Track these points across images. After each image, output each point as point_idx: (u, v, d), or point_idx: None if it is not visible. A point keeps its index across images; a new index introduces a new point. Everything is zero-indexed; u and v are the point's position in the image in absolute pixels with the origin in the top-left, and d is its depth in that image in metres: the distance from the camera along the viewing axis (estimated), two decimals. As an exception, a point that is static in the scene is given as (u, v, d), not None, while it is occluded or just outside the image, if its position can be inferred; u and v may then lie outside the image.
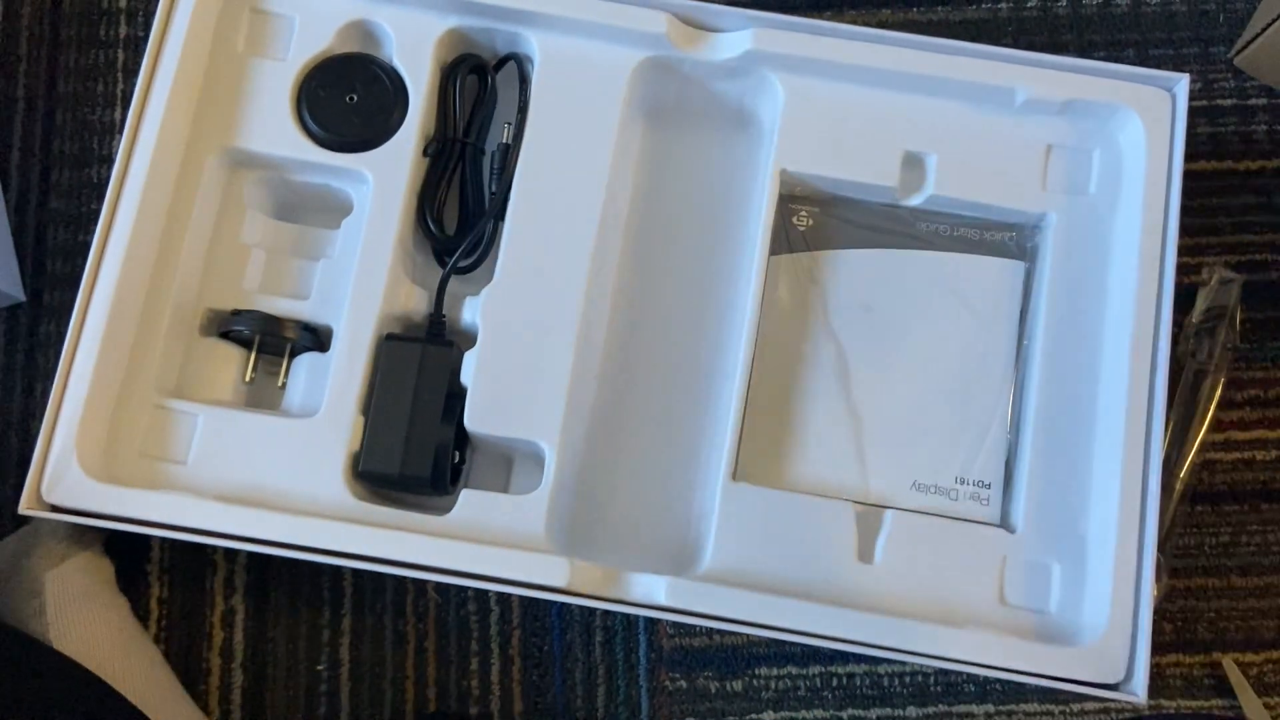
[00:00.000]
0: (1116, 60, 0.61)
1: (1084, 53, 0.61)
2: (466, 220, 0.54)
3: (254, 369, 0.53)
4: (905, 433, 0.52)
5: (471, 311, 0.52)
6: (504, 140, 0.53)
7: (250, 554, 0.54)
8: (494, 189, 0.53)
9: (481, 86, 0.54)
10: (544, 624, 0.55)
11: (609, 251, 0.54)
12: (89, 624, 0.49)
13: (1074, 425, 0.50)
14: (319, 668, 0.54)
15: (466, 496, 0.49)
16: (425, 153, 0.53)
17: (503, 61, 0.55)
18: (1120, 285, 0.51)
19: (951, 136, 0.53)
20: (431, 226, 0.53)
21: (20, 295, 0.57)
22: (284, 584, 0.55)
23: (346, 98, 0.53)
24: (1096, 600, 0.48)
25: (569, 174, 0.52)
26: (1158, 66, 0.60)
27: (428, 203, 0.53)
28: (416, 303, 0.52)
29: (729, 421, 0.50)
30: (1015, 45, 0.61)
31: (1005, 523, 0.50)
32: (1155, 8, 0.62)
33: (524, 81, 0.54)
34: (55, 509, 0.47)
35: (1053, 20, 0.62)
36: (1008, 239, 0.53)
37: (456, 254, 0.52)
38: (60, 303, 0.57)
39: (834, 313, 0.53)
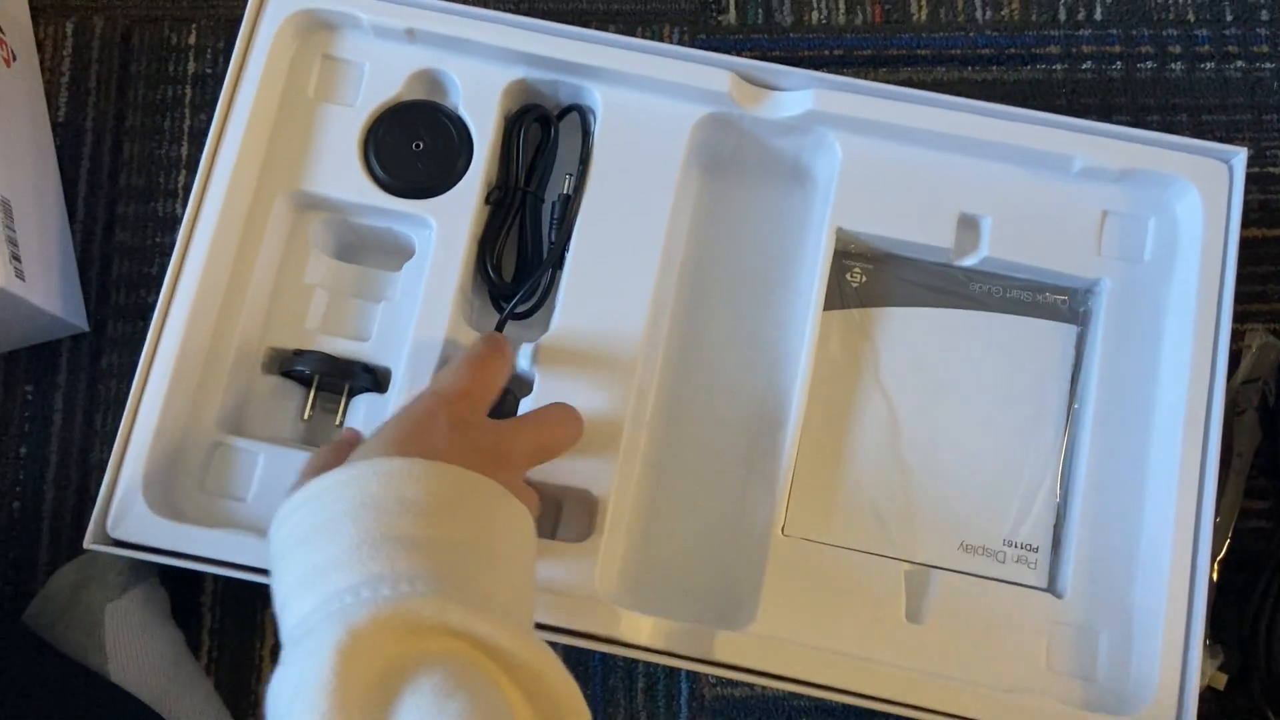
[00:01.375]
0: (1169, 125, 0.61)
1: (1137, 116, 0.62)
2: (524, 267, 0.55)
3: (312, 407, 0.54)
4: (954, 493, 0.52)
5: (527, 359, 0.53)
6: (564, 191, 0.54)
7: (300, 589, 0.55)
8: (553, 238, 0.54)
9: (544, 136, 0.55)
10: (586, 669, 0.55)
11: (664, 301, 0.55)
12: (146, 657, 0.50)
13: (1124, 491, 0.51)
14: (365, 704, 0.55)
15: (518, 542, 0.50)
16: (487, 200, 0.54)
17: (565, 111, 0.56)
18: (1173, 353, 0.51)
19: (1007, 200, 0.53)
20: (490, 273, 0.54)
21: (84, 325, 0.58)
22: (332, 619, 0.55)
23: (413, 145, 0.54)
24: (1144, 670, 0.48)
25: (628, 225, 0.53)
26: (1210, 132, 0.61)
27: (487, 249, 0.54)
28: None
29: (780, 475, 0.51)
30: (1069, 107, 0.62)
31: (1053, 587, 0.51)
32: (1209, 74, 0.62)
33: (586, 133, 0.55)
34: (119, 544, 0.48)
35: (1107, 83, 0.62)
36: (1061, 303, 0.54)
37: (514, 300, 0.53)
38: (123, 334, 0.58)
39: (885, 370, 0.54)
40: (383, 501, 0.37)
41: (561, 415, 0.48)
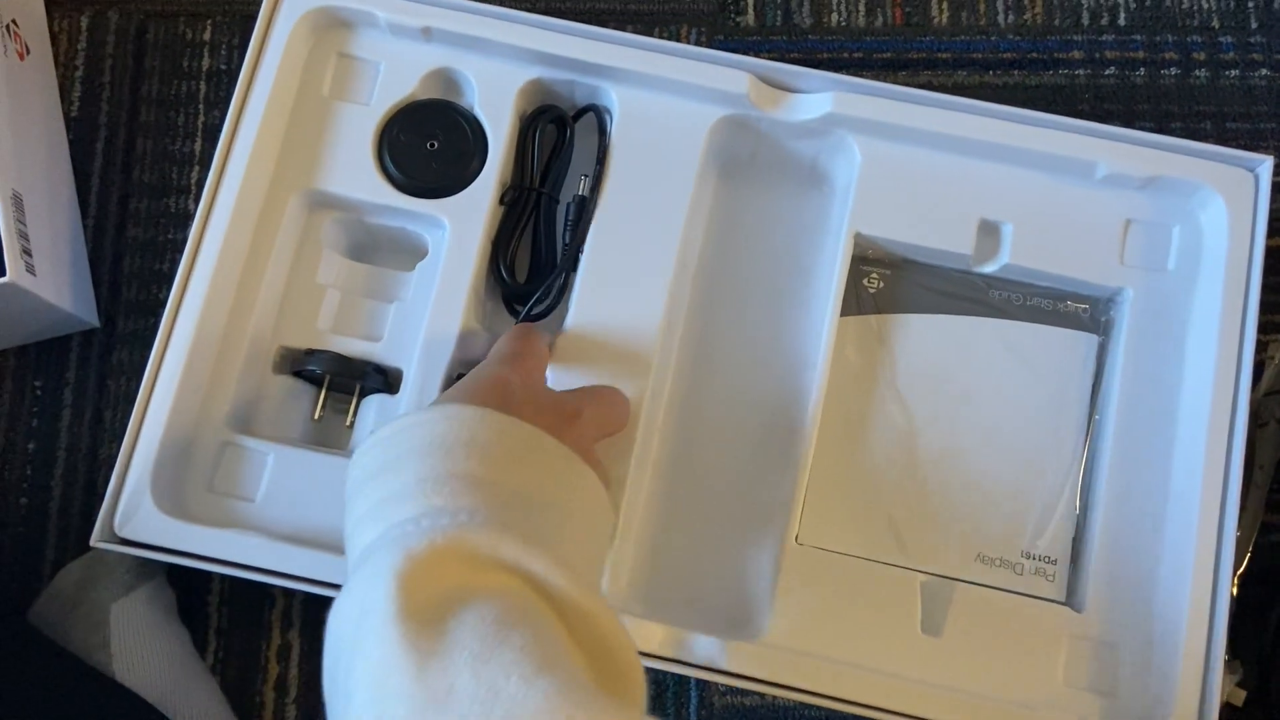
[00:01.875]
0: (1193, 132, 0.60)
1: (1160, 123, 0.61)
2: (538, 269, 0.54)
3: (323, 407, 0.53)
4: (971, 503, 0.51)
5: (540, 360, 0.52)
6: (580, 192, 0.53)
7: (308, 589, 0.55)
8: (568, 240, 0.53)
9: (560, 137, 0.55)
10: (596, 675, 0.55)
11: (678, 305, 0.54)
12: (152, 657, 0.49)
13: (1145, 504, 0.50)
14: (371, 708, 0.54)
15: (529, 547, 0.49)
16: (501, 201, 0.53)
17: (581, 112, 0.55)
18: (1197, 364, 0.50)
19: (1029, 206, 0.53)
20: (504, 274, 0.53)
21: (95, 321, 0.58)
22: (340, 621, 0.55)
23: (427, 144, 0.53)
24: (1163, 686, 0.47)
25: (643, 227, 0.52)
26: (1235, 140, 0.60)
27: (501, 250, 0.53)
28: (487, 349, 0.53)
29: (794, 483, 0.50)
30: (1091, 112, 0.61)
31: (1071, 601, 0.50)
32: (1233, 81, 0.61)
33: (602, 133, 0.54)
34: (126, 542, 0.48)
35: (1130, 89, 0.61)
36: (1082, 311, 0.53)
37: (530, 303, 0.52)
38: (133, 330, 0.58)
39: (902, 377, 0.53)
40: (452, 443, 0.38)
41: (615, 395, 0.48)
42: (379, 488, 0.38)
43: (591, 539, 0.41)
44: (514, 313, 0.54)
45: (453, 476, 0.37)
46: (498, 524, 0.35)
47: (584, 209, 0.53)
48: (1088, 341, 0.53)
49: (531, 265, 0.55)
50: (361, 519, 0.38)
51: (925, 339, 0.53)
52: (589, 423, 0.45)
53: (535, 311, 0.53)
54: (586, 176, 0.53)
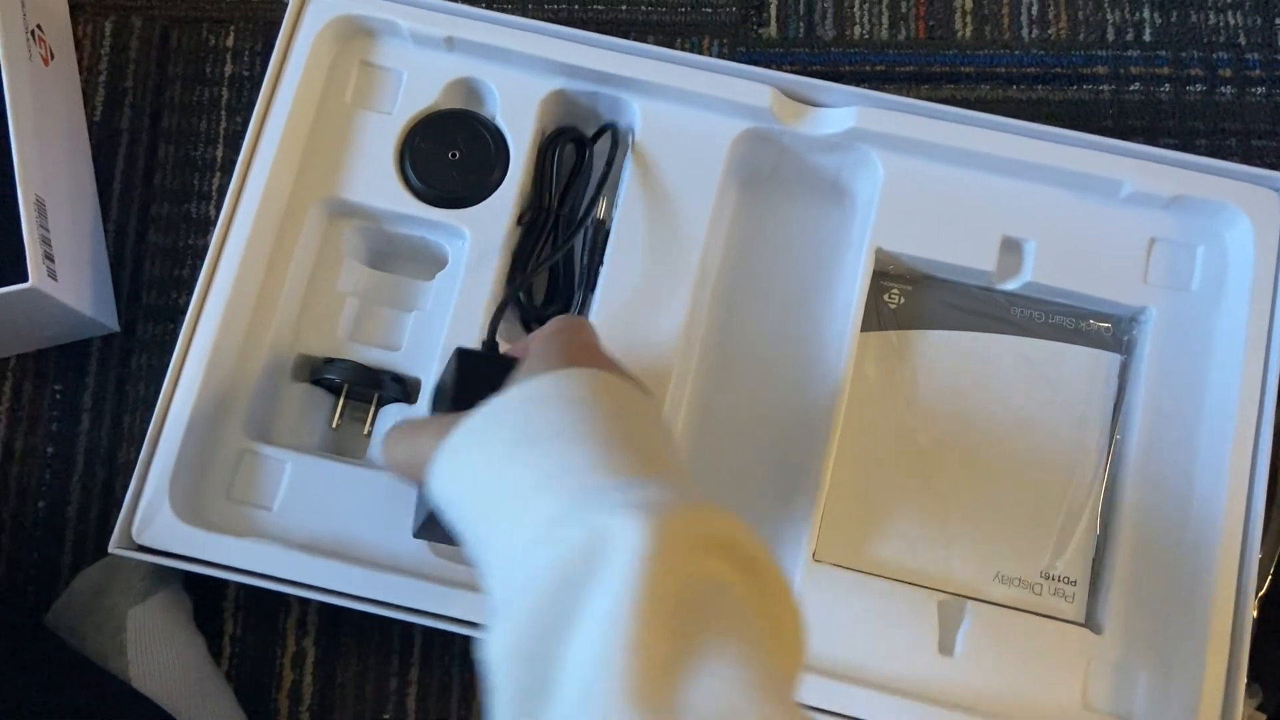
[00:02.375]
0: (1218, 149, 0.60)
1: (1185, 140, 0.60)
2: (556, 290, 0.54)
3: (341, 416, 0.53)
4: (990, 521, 0.51)
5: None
6: (598, 215, 0.53)
7: (323, 597, 0.55)
8: (585, 261, 0.53)
9: (578, 159, 0.54)
10: (610, 687, 0.55)
11: (697, 321, 0.54)
12: (168, 663, 0.49)
13: (1166, 525, 0.49)
14: (385, 717, 0.54)
15: (545, 559, 0.49)
16: (519, 222, 0.53)
17: (600, 132, 0.55)
18: (1221, 385, 0.50)
19: (1052, 223, 0.52)
20: (521, 295, 0.53)
21: (115, 326, 0.58)
22: (355, 629, 0.55)
23: (449, 154, 0.53)
24: (1183, 710, 0.47)
25: (663, 241, 0.52)
26: (1260, 157, 0.60)
27: (519, 270, 0.53)
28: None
29: (812, 499, 0.50)
30: (1115, 129, 0.60)
31: (1091, 622, 0.49)
32: (1259, 98, 0.61)
33: (615, 149, 0.53)
34: (143, 549, 0.48)
35: (1155, 105, 0.61)
36: (1105, 330, 0.53)
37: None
38: (153, 335, 0.58)
39: (922, 394, 0.53)
40: (609, 408, 0.35)
41: None
42: (541, 456, 0.34)
43: None
44: (530, 331, 0.53)
45: (630, 444, 0.33)
46: (700, 500, 0.32)
47: (599, 232, 0.53)
48: (1110, 361, 0.52)
49: (549, 286, 0.54)
50: (531, 489, 0.33)
51: (946, 356, 0.53)
52: None
53: None
54: (605, 199, 0.53)
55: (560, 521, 0.31)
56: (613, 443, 0.34)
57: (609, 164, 0.53)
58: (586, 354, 0.40)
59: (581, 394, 0.36)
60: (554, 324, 0.43)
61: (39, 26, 0.57)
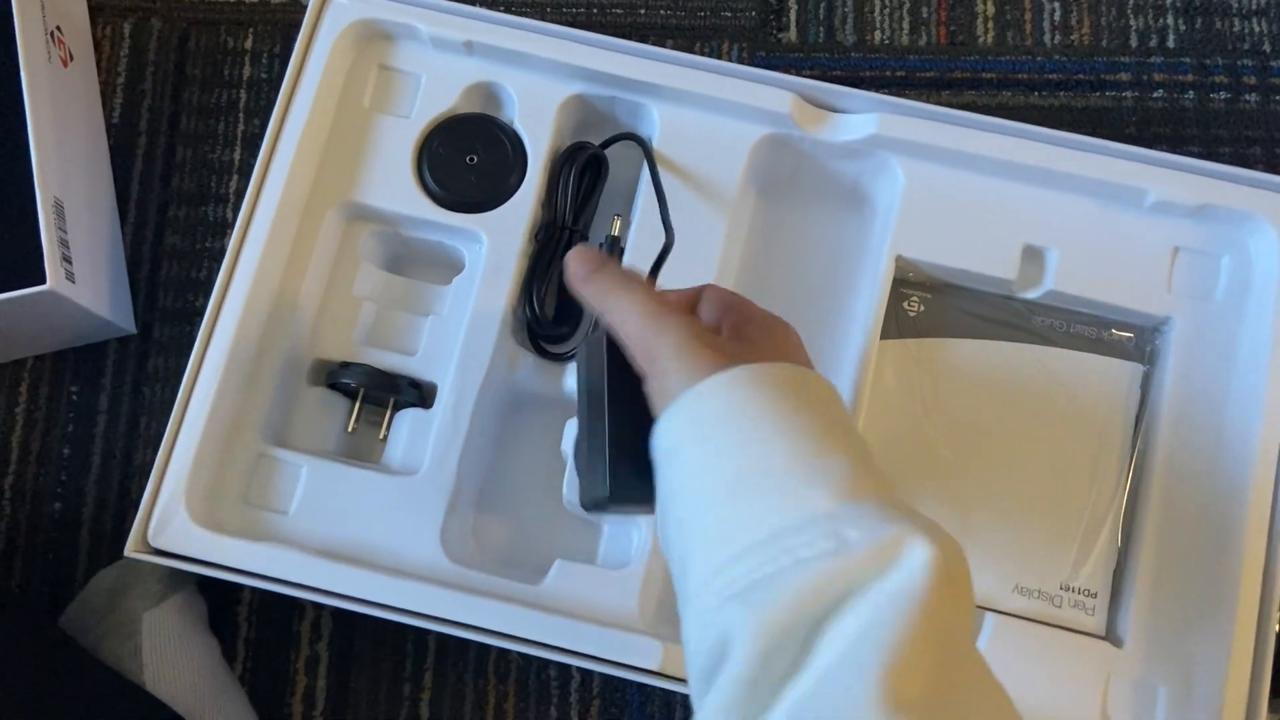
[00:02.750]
0: (1242, 158, 0.59)
1: (1209, 148, 0.60)
2: (567, 307, 0.53)
3: (357, 420, 0.53)
4: (1009, 532, 0.50)
5: (573, 379, 0.52)
6: (612, 232, 0.52)
7: (337, 602, 0.55)
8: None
9: (594, 175, 0.54)
10: (624, 695, 0.54)
11: (715, 325, 0.54)
12: (183, 667, 0.49)
13: (1190, 538, 0.49)
14: (398, 723, 0.54)
15: (560, 567, 0.49)
16: (534, 238, 0.53)
17: (612, 140, 0.54)
18: (1245, 396, 0.49)
19: (1075, 232, 0.52)
20: (535, 308, 0.52)
21: (131, 328, 0.58)
22: (369, 634, 0.55)
23: (467, 158, 0.53)
24: (1205, 727, 0.46)
25: (682, 244, 0.51)
26: (1286, 166, 0.59)
27: (534, 286, 0.52)
28: (523, 365, 0.52)
29: (830, 509, 0.49)
30: (1138, 136, 0.60)
31: (1111, 635, 0.49)
32: (1285, 105, 0.60)
33: (647, 156, 0.53)
34: (160, 553, 0.48)
35: (1178, 113, 0.60)
36: (1127, 340, 0.52)
37: (559, 344, 0.52)
38: (169, 337, 0.58)
39: (941, 403, 0.52)
40: (845, 415, 0.36)
41: None
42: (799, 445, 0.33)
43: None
44: (539, 349, 0.53)
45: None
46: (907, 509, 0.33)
47: (615, 249, 0.52)
48: (1132, 371, 0.52)
49: (559, 302, 0.54)
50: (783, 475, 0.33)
51: (966, 364, 0.52)
52: None
53: (554, 353, 0.52)
54: (619, 217, 0.53)
55: (839, 520, 0.32)
56: (856, 451, 0.34)
57: (653, 174, 0.51)
58: (799, 354, 0.40)
59: (825, 393, 0.36)
60: (763, 320, 0.41)
61: (58, 28, 0.57)
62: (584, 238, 0.53)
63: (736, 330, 0.40)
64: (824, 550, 0.31)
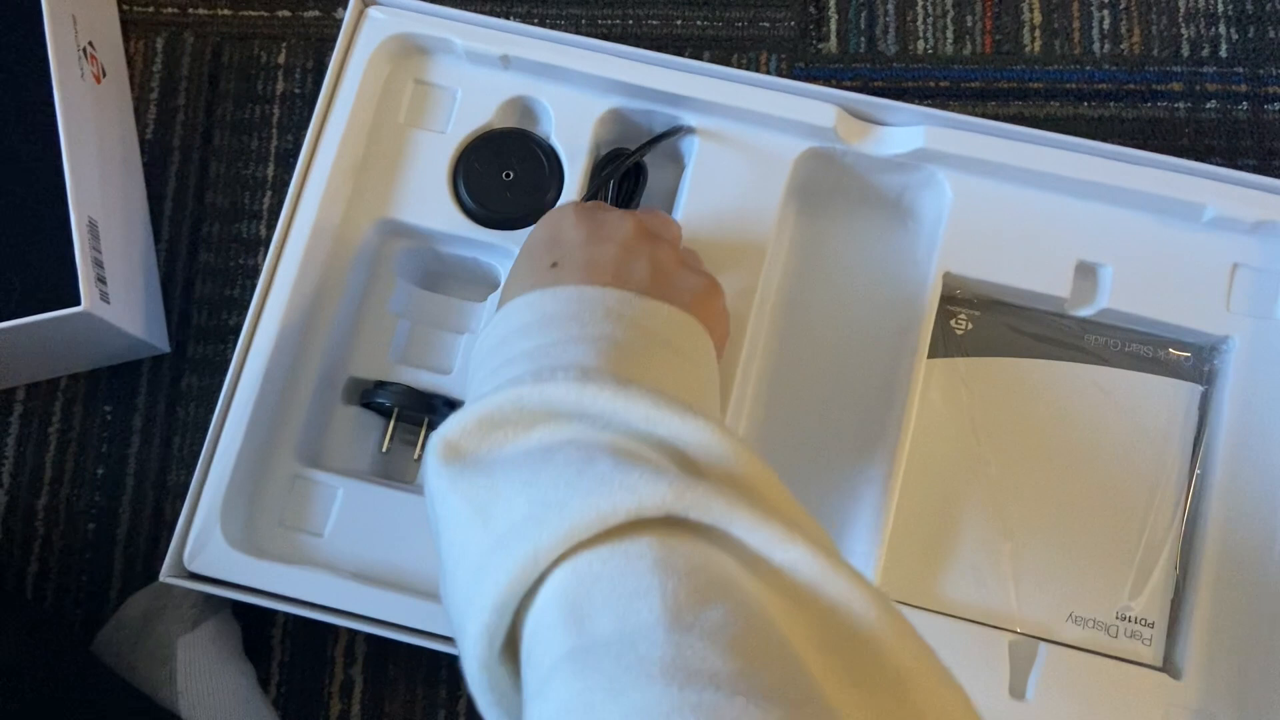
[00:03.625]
0: (1299, 169, 0.58)
1: (1264, 160, 0.58)
2: None
3: (391, 439, 0.52)
4: (1063, 559, 0.49)
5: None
6: None
7: (372, 625, 0.54)
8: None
9: (634, 181, 0.53)
10: None
11: (755, 345, 0.52)
12: (217, 694, 0.48)
13: (1251, 566, 0.47)
14: (433, 749, 0.53)
15: (600, 591, 0.48)
16: None
17: (660, 138, 0.53)
18: (1308, 420, 0.48)
19: (1130, 248, 0.50)
20: None
21: (165, 347, 0.57)
22: (403, 659, 0.54)
23: (503, 174, 0.52)
24: (1271, 763, 0.44)
25: (723, 264, 0.50)
26: (1344, 178, 0.57)
27: None
28: (559, 386, 0.51)
29: (875, 533, 0.48)
30: (1192, 147, 0.58)
31: (1169, 667, 0.47)
32: (1344, 115, 0.58)
33: (682, 150, 0.52)
34: (195, 577, 0.47)
35: (1232, 124, 0.59)
36: (1184, 360, 0.50)
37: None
38: (203, 356, 0.58)
39: (990, 424, 0.51)
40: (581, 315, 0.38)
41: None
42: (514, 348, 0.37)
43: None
44: None
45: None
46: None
47: None
48: (1190, 391, 0.50)
49: None
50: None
51: (1016, 384, 0.51)
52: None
53: None
54: None
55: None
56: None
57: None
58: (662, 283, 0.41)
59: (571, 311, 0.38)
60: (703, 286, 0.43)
61: (90, 44, 0.57)
62: None
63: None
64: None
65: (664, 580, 0.27)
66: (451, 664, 0.54)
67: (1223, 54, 0.60)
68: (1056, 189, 0.50)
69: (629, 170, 0.53)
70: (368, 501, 0.49)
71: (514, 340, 0.37)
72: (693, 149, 0.52)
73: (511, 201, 0.52)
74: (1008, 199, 0.51)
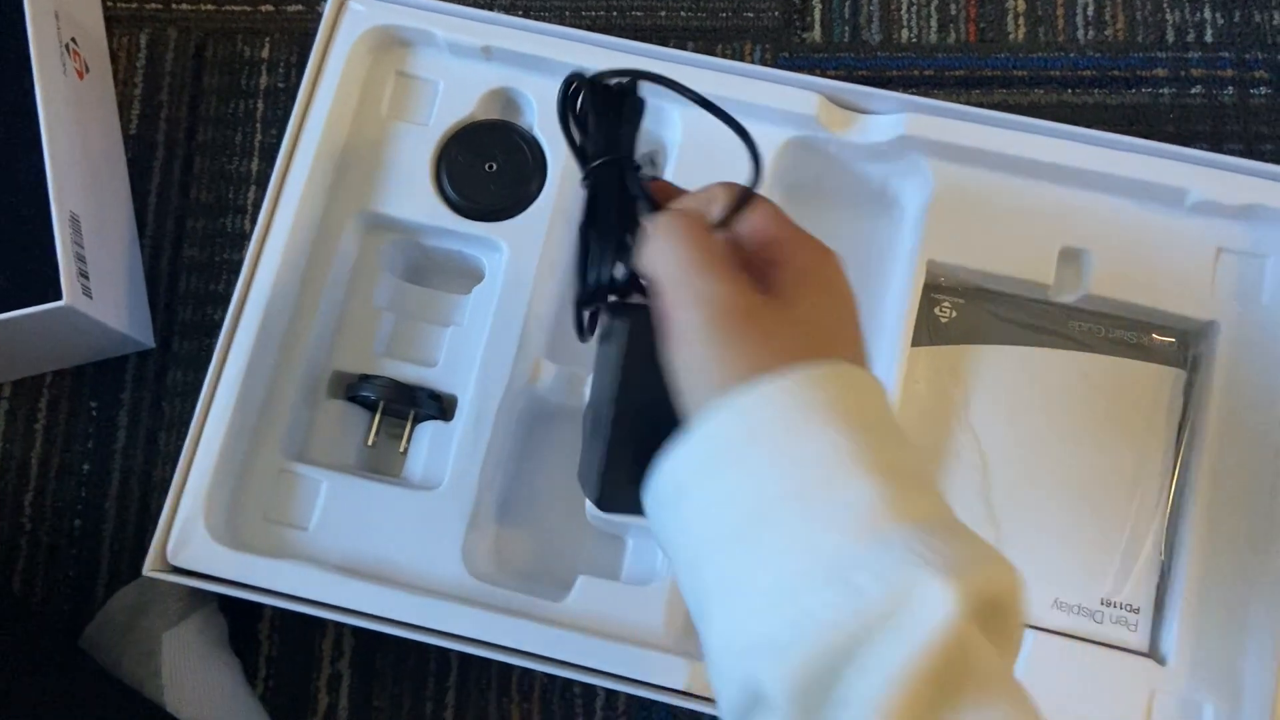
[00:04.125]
0: (1285, 154, 0.58)
1: (1250, 145, 0.58)
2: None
3: (376, 433, 0.52)
4: (1048, 545, 0.49)
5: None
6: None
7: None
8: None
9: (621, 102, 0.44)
10: (650, 715, 0.53)
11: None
12: (204, 688, 0.48)
13: (1236, 551, 0.47)
14: (421, 741, 0.53)
15: (583, 583, 0.48)
16: (584, 180, 0.43)
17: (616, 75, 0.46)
18: (1293, 404, 0.48)
19: (1113, 234, 0.50)
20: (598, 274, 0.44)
21: (150, 342, 0.57)
22: (390, 652, 0.54)
23: (486, 166, 0.52)
24: (1256, 747, 0.44)
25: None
26: (1331, 163, 0.57)
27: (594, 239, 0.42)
28: (545, 376, 0.51)
29: (861, 522, 0.48)
30: (1177, 133, 0.58)
31: (1154, 652, 0.47)
32: (1330, 99, 0.58)
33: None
34: (179, 571, 0.47)
35: (1217, 109, 0.59)
36: (1169, 345, 0.50)
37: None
38: (188, 351, 0.58)
39: (976, 412, 0.51)
40: (873, 417, 0.32)
41: None
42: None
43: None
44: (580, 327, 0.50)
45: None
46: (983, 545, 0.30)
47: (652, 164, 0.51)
48: (1175, 377, 0.50)
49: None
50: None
51: (1000, 372, 0.51)
52: None
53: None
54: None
55: (855, 566, 0.29)
56: (892, 472, 0.30)
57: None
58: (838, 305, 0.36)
59: (848, 404, 0.31)
60: (807, 251, 0.37)
61: (73, 40, 0.57)
62: (637, 168, 0.44)
63: (766, 272, 0.36)
64: (844, 604, 0.28)
65: None
66: (440, 656, 0.54)
67: (1208, 39, 0.60)
68: (1039, 175, 0.50)
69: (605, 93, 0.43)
70: (353, 495, 0.49)
71: None
72: (675, 139, 0.52)
73: (495, 193, 0.52)
74: (991, 186, 0.51)
